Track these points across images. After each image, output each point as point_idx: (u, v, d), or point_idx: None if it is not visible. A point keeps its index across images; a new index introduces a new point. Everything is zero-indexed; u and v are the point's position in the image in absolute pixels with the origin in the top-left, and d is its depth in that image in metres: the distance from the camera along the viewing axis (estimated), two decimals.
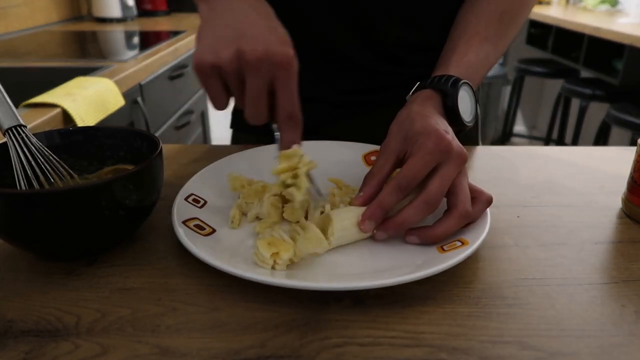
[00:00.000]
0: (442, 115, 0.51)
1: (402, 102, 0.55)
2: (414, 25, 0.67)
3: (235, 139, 0.81)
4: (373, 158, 0.59)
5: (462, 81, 0.52)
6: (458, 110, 0.51)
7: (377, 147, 0.60)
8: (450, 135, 0.45)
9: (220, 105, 0.45)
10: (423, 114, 0.48)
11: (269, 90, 0.44)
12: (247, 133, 0.78)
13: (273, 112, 0.46)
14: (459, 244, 0.43)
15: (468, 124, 0.53)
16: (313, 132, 0.69)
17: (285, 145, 0.46)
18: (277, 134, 0.47)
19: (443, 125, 0.47)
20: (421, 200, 0.43)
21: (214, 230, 0.47)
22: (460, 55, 0.56)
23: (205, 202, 0.50)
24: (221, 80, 0.44)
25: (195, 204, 0.49)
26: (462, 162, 0.44)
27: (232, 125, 0.81)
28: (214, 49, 0.43)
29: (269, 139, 0.56)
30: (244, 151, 0.60)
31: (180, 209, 0.47)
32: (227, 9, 0.45)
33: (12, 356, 0.34)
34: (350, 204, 0.48)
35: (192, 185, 0.52)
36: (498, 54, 0.60)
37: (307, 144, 0.49)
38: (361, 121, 0.72)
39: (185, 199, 0.49)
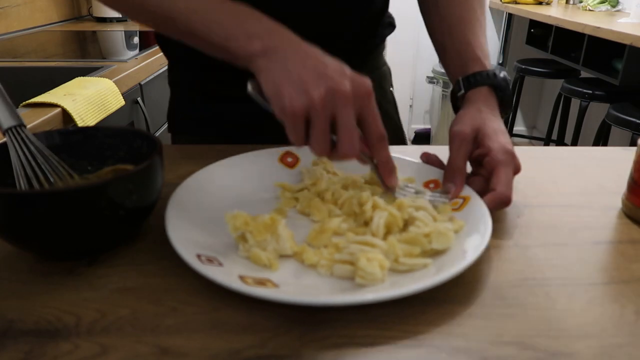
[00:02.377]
0: (497, 108, 0.59)
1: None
2: (328, 20, 0.70)
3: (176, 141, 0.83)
4: (289, 160, 0.60)
5: (502, 72, 0.59)
6: (512, 99, 0.59)
7: (284, 149, 0.61)
8: (511, 145, 0.53)
9: (301, 143, 0.47)
10: (490, 118, 0.56)
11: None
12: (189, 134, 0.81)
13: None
14: (461, 201, 0.50)
15: (511, 110, 0.62)
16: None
17: (383, 163, 0.49)
18: (362, 156, 0.49)
19: (505, 135, 0.54)
20: (500, 200, 0.50)
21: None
22: (480, 47, 0.62)
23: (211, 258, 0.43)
24: (307, 122, 0.46)
25: (211, 263, 0.42)
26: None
27: (171, 129, 0.83)
28: (304, 92, 0.44)
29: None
30: (220, 162, 0.57)
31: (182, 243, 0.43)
32: (290, 56, 0.47)
33: (12, 356, 0.34)
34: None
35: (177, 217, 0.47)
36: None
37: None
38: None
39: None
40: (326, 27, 0.70)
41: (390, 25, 0.80)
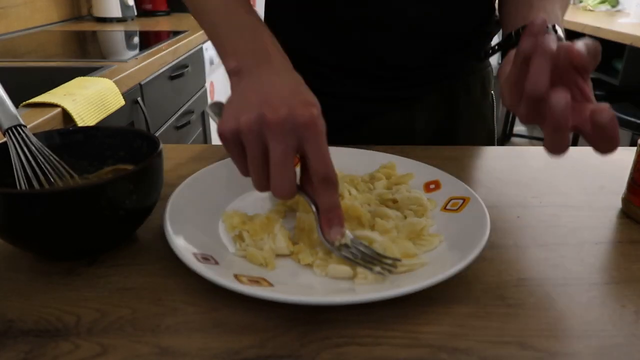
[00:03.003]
0: None
1: (438, 92, 0.71)
2: (424, 37, 0.69)
3: None
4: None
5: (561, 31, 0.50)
6: None
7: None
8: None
9: (244, 173, 0.43)
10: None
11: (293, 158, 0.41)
12: None
13: (303, 183, 0.44)
14: (461, 202, 0.49)
15: None
16: (352, 127, 0.74)
17: (323, 210, 0.42)
18: (306, 199, 0.44)
19: None
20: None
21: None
22: (551, 14, 0.53)
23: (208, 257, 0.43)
24: (243, 149, 0.42)
25: (207, 262, 0.42)
26: None
27: None
28: (236, 115, 0.41)
29: None
30: (223, 161, 0.57)
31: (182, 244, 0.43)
32: (255, 78, 0.45)
33: (12, 356, 0.34)
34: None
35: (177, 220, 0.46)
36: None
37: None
38: (399, 113, 0.75)
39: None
40: (434, 48, 0.70)
41: (498, 24, 0.76)
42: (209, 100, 2.03)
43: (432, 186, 0.55)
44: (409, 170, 0.58)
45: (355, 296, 0.38)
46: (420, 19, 0.67)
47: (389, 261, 0.42)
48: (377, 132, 0.75)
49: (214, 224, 0.49)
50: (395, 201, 0.52)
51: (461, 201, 0.51)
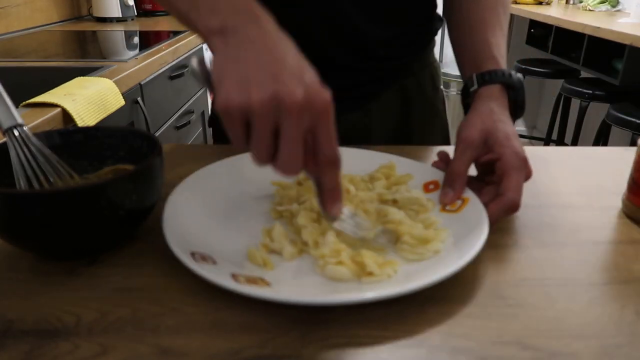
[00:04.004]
0: (508, 109, 0.58)
1: (387, 95, 0.73)
2: (379, 21, 0.71)
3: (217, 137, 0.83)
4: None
5: (518, 74, 0.59)
6: (524, 103, 0.59)
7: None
8: (523, 151, 0.52)
9: (240, 147, 0.41)
10: (503, 121, 0.54)
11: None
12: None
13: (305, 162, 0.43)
14: (460, 202, 0.50)
15: (522, 114, 0.60)
16: None
17: (328, 190, 0.43)
18: (309, 176, 0.44)
19: (517, 140, 0.53)
20: (508, 207, 0.48)
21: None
22: (498, 48, 0.61)
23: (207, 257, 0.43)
24: (248, 124, 0.39)
25: (205, 262, 0.42)
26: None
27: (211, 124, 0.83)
28: (245, 90, 0.38)
29: None
30: (223, 161, 0.57)
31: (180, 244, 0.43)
32: (248, 42, 0.41)
33: (12, 356, 0.34)
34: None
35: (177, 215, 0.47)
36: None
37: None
38: (356, 114, 0.76)
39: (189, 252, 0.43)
40: (388, 14, 0.71)
41: (440, 19, 0.80)
42: (209, 101, 2.03)
43: (431, 186, 0.55)
44: (408, 171, 0.57)
45: (351, 296, 0.38)
46: (373, 4, 0.69)
47: (386, 235, 0.46)
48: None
49: (212, 223, 0.49)
50: (395, 201, 0.52)
51: (460, 202, 0.51)
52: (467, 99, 0.62)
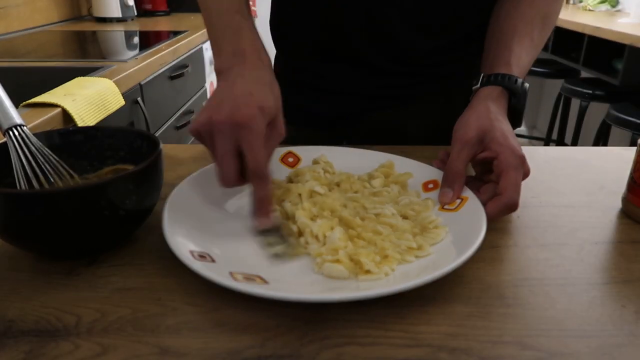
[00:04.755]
0: (506, 112, 0.57)
1: (427, 96, 0.72)
2: (427, 32, 0.70)
3: None
4: (290, 160, 0.61)
5: (525, 83, 0.58)
6: (523, 113, 0.59)
7: (286, 149, 0.61)
8: (521, 149, 0.51)
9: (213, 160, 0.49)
10: (499, 120, 0.54)
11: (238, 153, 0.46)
12: None
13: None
14: (459, 201, 0.50)
15: (520, 124, 0.60)
16: (347, 123, 0.76)
17: (255, 201, 0.47)
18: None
19: (514, 138, 0.52)
20: (506, 206, 0.48)
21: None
22: (518, 57, 0.60)
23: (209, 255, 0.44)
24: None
25: (203, 259, 0.43)
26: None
27: None
28: (197, 117, 0.47)
29: None
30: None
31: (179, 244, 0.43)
32: (227, 81, 0.49)
33: (12, 356, 0.34)
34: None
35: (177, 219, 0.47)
36: (537, 56, 0.65)
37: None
38: (389, 114, 0.76)
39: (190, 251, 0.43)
40: (437, 27, 0.70)
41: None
42: None
43: (430, 185, 0.56)
44: (408, 170, 0.58)
45: (347, 293, 0.38)
46: (421, 16, 0.68)
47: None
48: (369, 130, 0.76)
49: (212, 222, 0.49)
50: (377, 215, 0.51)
51: (459, 201, 0.51)
52: (468, 97, 0.61)
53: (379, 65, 0.72)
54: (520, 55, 0.60)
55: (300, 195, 0.52)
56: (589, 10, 2.82)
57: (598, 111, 2.56)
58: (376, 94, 0.75)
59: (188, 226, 0.46)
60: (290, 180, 0.56)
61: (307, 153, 0.61)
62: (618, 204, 0.55)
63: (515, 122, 0.58)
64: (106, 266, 0.43)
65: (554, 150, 0.72)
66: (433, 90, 0.76)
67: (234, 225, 0.49)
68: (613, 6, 2.79)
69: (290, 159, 0.61)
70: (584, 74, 2.53)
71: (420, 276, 0.39)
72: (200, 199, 0.51)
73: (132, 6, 2.24)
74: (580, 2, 3.00)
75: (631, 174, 0.53)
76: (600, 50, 2.28)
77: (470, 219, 0.47)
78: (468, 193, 0.51)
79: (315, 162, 0.60)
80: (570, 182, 0.61)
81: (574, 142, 2.51)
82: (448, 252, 0.43)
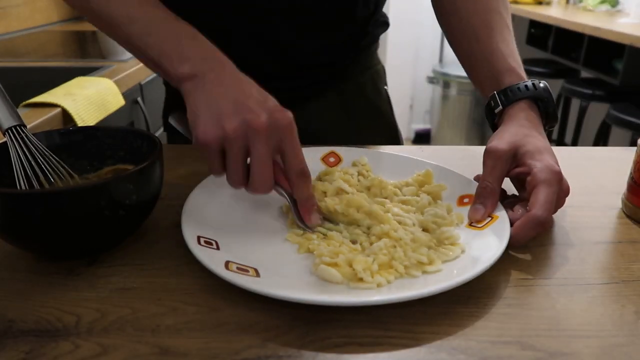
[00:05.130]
0: (540, 123, 0.54)
1: (329, 93, 0.74)
2: (314, 35, 0.71)
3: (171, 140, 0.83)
4: (331, 160, 0.61)
5: (541, 83, 0.55)
6: (556, 111, 0.56)
7: (329, 149, 0.62)
8: (558, 165, 0.49)
9: (218, 173, 0.47)
10: (533, 135, 0.51)
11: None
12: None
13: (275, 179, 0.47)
14: (489, 219, 0.48)
15: (557, 122, 0.57)
16: None
17: (302, 201, 0.47)
18: (281, 192, 0.48)
19: (551, 154, 0.50)
20: (532, 223, 0.45)
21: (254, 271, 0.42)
22: (513, 56, 0.58)
23: (217, 244, 0.45)
24: (223, 153, 0.45)
25: (209, 246, 0.44)
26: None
27: (167, 129, 0.83)
28: (218, 123, 0.44)
29: None
30: None
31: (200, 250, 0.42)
32: (216, 83, 0.47)
33: (12, 356, 0.34)
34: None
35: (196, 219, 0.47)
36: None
37: None
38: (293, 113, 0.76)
39: (199, 242, 0.43)
40: (317, 26, 0.70)
41: (385, 24, 0.80)
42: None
43: (466, 200, 0.53)
44: (448, 181, 0.55)
45: (326, 297, 0.38)
46: (300, 16, 0.68)
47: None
48: None
49: (231, 216, 0.50)
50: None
51: (489, 219, 0.48)
52: (493, 119, 0.58)
53: (272, 72, 0.71)
54: (513, 52, 0.58)
55: (325, 192, 0.51)
56: (589, 10, 2.82)
57: (598, 111, 2.56)
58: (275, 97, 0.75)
59: (206, 216, 0.48)
60: (319, 178, 0.55)
61: (349, 153, 0.61)
62: (618, 204, 0.55)
63: (552, 123, 0.56)
64: (106, 266, 0.43)
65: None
66: (329, 90, 0.77)
67: (253, 220, 0.50)
68: (613, 6, 2.79)
69: (332, 159, 0.61)
70: (584, 74, 2.53)
71: (429, 285, 0.38)
72: (225, 193, 0.52)
73: None
74: (580, 2, 3.00)
75: (631, 174, 0.53)
76: (600, 50, 2.28)
77: (491, 239, 0.45)
78: (500, 212, 0.48)
79: (354, 164, 0.59)
80: (570, 182, 0.61)
81: (574, 142, 2.52)
82: (454, 270, 0.42)
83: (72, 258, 0.44)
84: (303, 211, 0.48)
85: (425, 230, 0.48)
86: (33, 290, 0.40)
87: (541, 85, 0.55)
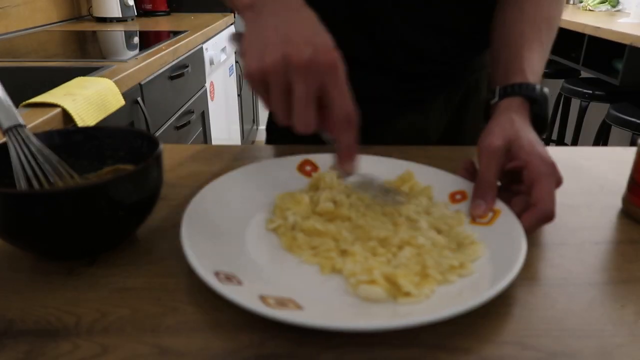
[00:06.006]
0: (530, 121, 0.55)
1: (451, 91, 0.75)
2: (438, 37, 0.71)
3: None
4: (307, 168, 0.58)
5: (544, 89, 0.56)
6: (548, 119, 0.57)
7: (303, 157, 0.58)
8: (549, 155, 0.49)
9: (269, 107, 0.45)
10: (524, 129, 0.52)
11: (318, 97, 0.43)
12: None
13: (321, 121, 0.45)
14: (491, 214, 0.48)
15: (546, 131, 0.58)
16: (375, 130, 0.75)
17: (343, 149, 0.45)
18: (328, 138, 0.46)
19: (542, 146, 0.51)
20: (543, 216, 0.46)
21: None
22: (530, 63, 0.59)
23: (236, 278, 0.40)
24: (268, 86, 0.44)
25: (229, 282, 0.39)
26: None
27: (268, 142, 0.83)
28: (260, 55, 0.43)
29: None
30: (237, 171, 0.55)
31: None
32: (272, 14, 0.45)
33: (12, 356, 0.34)
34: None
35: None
36: (547, 59, 0.63)
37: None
38: (414, 114, 0.77)
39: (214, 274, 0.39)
40: (438, 34, 0.71)
41: None
42: (209, 101, 2.03)
43: (458, 197, 0.52)
44: (431, 180, 0.54)
45: (391, 321, 0.36)
46: (438, 16, 0.69)
47: (399, 196, 0.51)
48: (392, 133, 0.77)
49: (232, 237, 0.46)
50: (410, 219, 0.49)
51: (491, 213, 0.48)
52: (488, 112, 0.59)
53: (407, 70, 0.73)
54: (533, 61, 0.59)
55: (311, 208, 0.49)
56: (589, 10, 2.82)
57: (598, 111, 2.56)
58: (398, 98, 0.76)
59: (209, 243, 0.43)
60: (314, 187, 0.53)
61: (324, 160, 0.57)
62: (618, 204, 0.55)
63: (540, 129, 0.56)
64: (106, 266, 0.43)
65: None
66: (450, 87, 0.77)
67: (258, 240, 0.47)
68: (613, 6, 2.79)
69: (308, 167, 0.58)
70: (584, 74, 2.53)
71: (464, 297, 0.37)
72: (218, 213, 0.48)
73: (132, 6, 2.24)
74: (580, 2, 3.00)
75: (631, 174, 0.53)
76: (600, 50, 2.28)
77: (508, 233, 0.45)
78: (500, 205, 0.48)
79: (332, 168, 0.55)
80: (570, 182, 0.61)
81: (574, 142, 2.52)
82: (488, 271, 0.41)
83: (72, 258, 0.44)
84: (341, 157, 0.46)
85: (438, 232, 0.47)
86: (33, 290, 0.40)
87: (542, 89, 0.56)
